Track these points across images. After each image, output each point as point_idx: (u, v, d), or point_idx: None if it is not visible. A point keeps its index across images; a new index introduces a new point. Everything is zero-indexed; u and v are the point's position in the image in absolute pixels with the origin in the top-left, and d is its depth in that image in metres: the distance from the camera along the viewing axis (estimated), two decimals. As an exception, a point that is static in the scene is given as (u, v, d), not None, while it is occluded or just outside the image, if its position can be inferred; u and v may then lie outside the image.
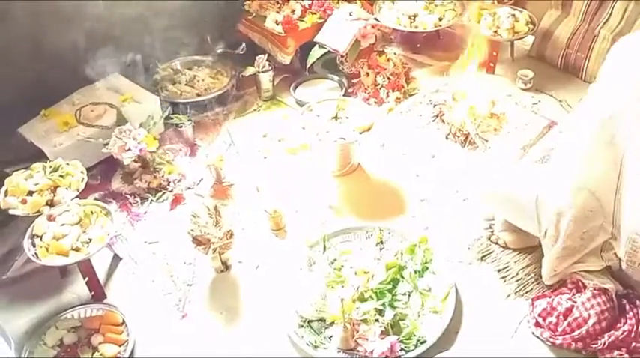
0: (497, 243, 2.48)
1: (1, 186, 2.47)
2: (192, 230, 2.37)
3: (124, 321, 2.26)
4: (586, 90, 2.18)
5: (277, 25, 3.35)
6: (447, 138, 3.04)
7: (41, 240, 2.27)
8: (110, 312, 2.29)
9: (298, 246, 2.50)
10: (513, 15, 3.34)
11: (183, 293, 2.40)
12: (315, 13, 3.41)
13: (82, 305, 2.32)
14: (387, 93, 3.27)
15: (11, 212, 2.40)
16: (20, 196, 2.42)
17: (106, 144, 2.69)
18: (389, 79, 3.29)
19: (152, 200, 2.77)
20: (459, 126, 3.02)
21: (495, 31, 3.32)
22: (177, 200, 2.78)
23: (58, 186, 2.48)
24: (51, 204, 2.44)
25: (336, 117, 2.90)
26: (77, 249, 2.26)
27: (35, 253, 2.24)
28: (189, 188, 2.84)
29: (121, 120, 2.83)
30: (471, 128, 2.98)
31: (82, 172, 2.57)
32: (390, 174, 2.88)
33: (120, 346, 2.19)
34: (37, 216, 2.35)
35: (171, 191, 2.80)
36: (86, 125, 2.84)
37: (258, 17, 3.44)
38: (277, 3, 3.49)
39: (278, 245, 2.58)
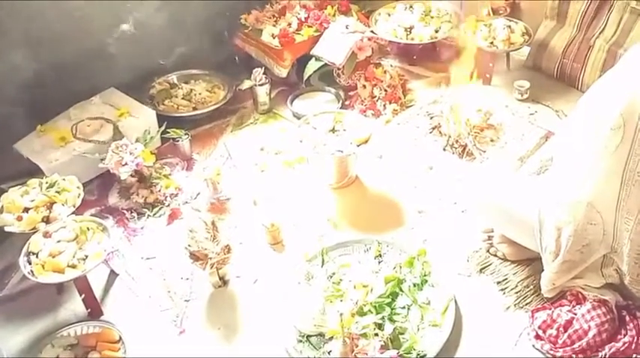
0: (495, 255, 2.46)
1: None
2: (189, 245, 2.35)
3: (120, 338, 2.24)
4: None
5: (274, 38, 3.36)
6: (444, 149, 3.03)
7: (37, 257, 2.26)
8: (107, 329, 2.27)
9: (296, 259, 2.48)
10: (509, 26, 3.34)
11: (180, 309, 2.38)
12: (311, 26, 3.42)
13: (78, 322, 2.31)
14: (384, 105, 3.27)
15: (7, 229, 2.39)
16: (16, 213, 2.42)
17: (103, 159, 2.70)
18: (386, 90, 3.29)
19: (149, 215, 2.76)
20: (456, 138, 3.01)
21: (491, 42, 3.32)
22: (174, 215, 2.77)
23: (54, 203, 2.47)
24: (47, 220, 2.43)
25: (333, 130, 2.89)
26: (73, 266, 2.25)
27: (31, 270, 2.22)
28: (186, 202, 2.82)
29: (118, 135, 2.83)
30: (468, 139, 2.98)
31: (78, 188, 2.57)
32: (388, 186, 2.87)
33: (117, 363, 2.18)
34: (33, 233, 2.34)
35: (168, 205, 2.79)
36: (82, 140, 2.84)
37: (255, 30, 3.45)
38: (274, 16, 3.51)
39: (276, 259, 2.57)
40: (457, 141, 3.01)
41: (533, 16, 3.48)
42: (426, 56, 3.64)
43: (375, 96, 3.30)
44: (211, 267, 2.36)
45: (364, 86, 3.33)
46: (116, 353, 2.20)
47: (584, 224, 2.06)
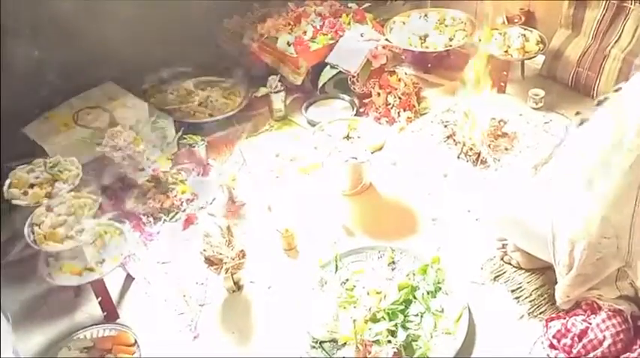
0: (510, 263, 2.46)
1: (5, 179, 2.64)
2: (204, 250, 2.38)
3: (136, 342, 2.27)
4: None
5: (289, 46, 3.38)
6: (458, 157, 3.04)
7: (40, 228, 2.39)
8: (122, 333, 2.29)
9: (310, 265, 2.49)
10: (524, 35, 3.36)
11: (195, 314, 2.39)
12: (326, 34, 3.43)
13: (94, 325, 2.33)
14: (399, 112, 3.27)
15: (14, 202, 2.58)
16: (22, 188, 2.62)
17: (99, 144, 2.83)
18: (400, 98, 3.30)
19: (165, 220, 2.79)
20: (470, 146, 3.02)
21: (506, 51, 3.34)
22: (189, 220, 2.79)
23: (57, 180, 2.66)
24: (49, 196, 2.60)
25: (347, 137, 2.90)
26: (91, 269, 2.30)
27: (34, 239, 2.35)
28: (202, 207, 2.85)
29: (113, 123, 3.00)
30: (482, 147, 2.98)
31: (77, 168, 2.72)
32: (402, 193, 2.87)
33: (132, 367, 2.20)
34: (37, 207, 2.50)
35: (184, 211, 2.82)
36: (82, 127, 3.04)
37: (271, 38, 3.46)
38: (289, 24, 3.52)
39: (290, 265, 2.58)
40: (471, 149, 3.02)
41: (548, 24, 3.49)
42: (440, 64, 3.65)
43: (390, 104, 3.30)
44: (226, 272, 2.37)
45: (378, 94, 3.33)
46: (131, 356, 2.22)
47: (599, 237, 2.05)
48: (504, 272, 2.44)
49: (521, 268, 2.43)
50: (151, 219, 2.79)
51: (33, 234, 2.38)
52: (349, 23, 3.50)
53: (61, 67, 3.09)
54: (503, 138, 3.08)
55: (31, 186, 2.62)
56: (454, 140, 3.11)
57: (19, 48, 2.96)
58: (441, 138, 3.16)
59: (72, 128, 3.03)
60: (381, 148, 2.86)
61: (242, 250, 2.41)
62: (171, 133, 3.08)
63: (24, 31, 2.98)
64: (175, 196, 2.85)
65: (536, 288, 2.36)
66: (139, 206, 2.84)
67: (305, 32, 3.45)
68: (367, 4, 3.61)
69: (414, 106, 3.32)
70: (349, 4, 3.63)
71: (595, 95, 3.26)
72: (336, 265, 2.45)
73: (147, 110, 3.18)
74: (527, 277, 2.40)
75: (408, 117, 3.27)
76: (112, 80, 3.31)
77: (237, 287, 2.48)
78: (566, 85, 3.40)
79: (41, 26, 3.02)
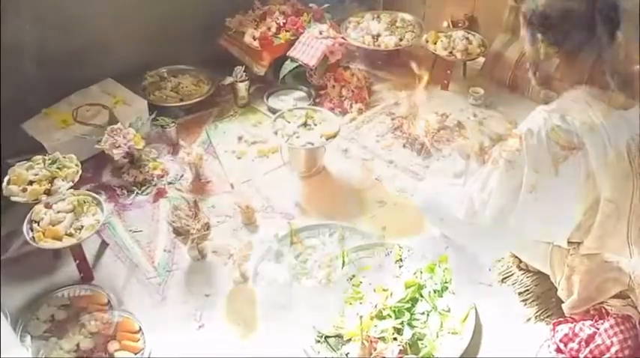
0: (518, 266, 2.48)
1: (4, 176, 2.62)
2: (173, 221, 2.44)
3: (140, 329, 2.24)
4: (532, 107, 2.16)
5: (254, 40, 3.49)
6: (404, 146, 3.17)
7: (39, 225, 2.40)
8: (127, 319, 2.26)
9: (316, 259, 2.45)
10: (467, 38, 3.55)
11: (200, 303, 2.33)
12: (288, 31, 3.52)
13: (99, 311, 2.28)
14: (351, 104, 3.43)
15: (13, 199, 2.56)
16: (21, 185, 2.60)
17: (99, 140, 2.86)
18: (353, 91, 3.46)
19: (138, 192, 2.90)
20: (415, 136, 3.17)
21: (450, 52, 3.51)
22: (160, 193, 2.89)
23: (55, 177, 2.65)
24: (48, 193, 2.59)
25: (305, 124, 2.97)
26: (70, 235, 2.37)
27: (33, 237, 2.36)
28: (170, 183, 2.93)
29: (113, 120, 3.00)
30: (426, 138, 3.11)
31: (76, 165, 2.73)
32: (351, 177, 2.98)
33: (136, 354, 2.16)
34: (36, 203, 2.49)
35: (155, 185, 2.94)
36: (82, 123, 3.02)
37: (238, 32, 3.58)
38: (255, 21, 3.60)
39: (297, 258, 2.51)
40: (416, 140, 3.16)
41: (490, 29, 3.67)
42: (390, 62, 3.81)
43: (343, 96, 3.45)
44: (192, 242, 2.43)
45: (333, 86, 3.50)
46: (136, 343, 2.20)
47: (599, 263, 2.12)
48: (512, 274, 2.46)
49: (529, 271, 2.45)
50: (124, 191, 2.90)
51: (32, 231, 2.38)
52: (309, 22, 3.60)
53: (60, 63, 3.10)
54: (444, 130, 3.22)
55: (30, 182, 2.60)
56: (401, 131, 3.25)
57: (18, 44, 2.97)
58: (390, 129, 3.28)
59: (71, 125, 3.01)
60: (335, 136, 2.90)
61: (207, 222, 2.47)
62: (145, 115, 3.17)
63: (24, 28, 2.97)
64: (147, 172, 2.96)
65: (544, 292, 2.38)
66: (115, 179, 2.95)
67: (269, 28, 3.53)
68: (326, 5, 3.69)
69: (365, 99, 3.50)
70: (310, 4, 3.71)
71: (529, 94, 3.45)
72: (343, 260, 2.40)
73: (146, 107, 3.23)
74: (534, 280, 2.42)
75: (359, 109, 3.42)
76: (111, 77, 3.33)
77: (202, 255, 2.53)
78: (504, 85, 3.58)
79: (41, 23, 3.01)
